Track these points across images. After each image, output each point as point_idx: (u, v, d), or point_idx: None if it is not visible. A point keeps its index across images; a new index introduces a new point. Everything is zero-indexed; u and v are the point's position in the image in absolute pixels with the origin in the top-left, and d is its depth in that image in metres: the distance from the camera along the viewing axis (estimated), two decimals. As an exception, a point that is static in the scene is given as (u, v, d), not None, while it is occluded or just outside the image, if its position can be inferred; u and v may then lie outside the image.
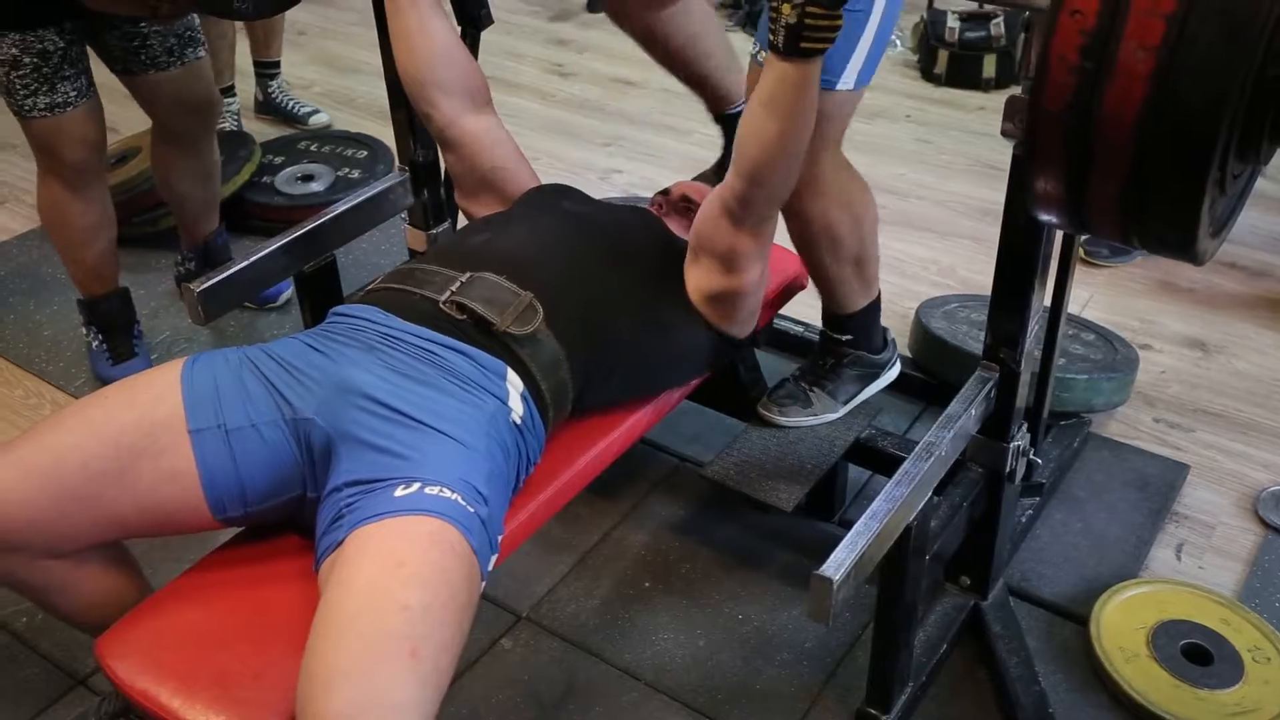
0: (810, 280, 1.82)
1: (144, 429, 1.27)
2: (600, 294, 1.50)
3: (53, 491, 1.23)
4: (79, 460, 1.24)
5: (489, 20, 1.97)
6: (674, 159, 3.18)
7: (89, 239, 2.22)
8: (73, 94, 2.00)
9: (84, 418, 1.29)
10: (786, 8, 1.25)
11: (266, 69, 3.41)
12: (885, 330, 1.88)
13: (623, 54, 3.90)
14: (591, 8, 4.32)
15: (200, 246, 2.51)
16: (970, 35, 3.58)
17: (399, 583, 1.12)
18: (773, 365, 2.19)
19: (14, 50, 1.93)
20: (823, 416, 1.82)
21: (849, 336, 1.81)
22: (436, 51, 1.68)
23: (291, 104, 3.44)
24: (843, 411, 1.83)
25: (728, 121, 2.05)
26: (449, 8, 1.82)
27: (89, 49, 2.07)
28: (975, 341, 2.05)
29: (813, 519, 1.94)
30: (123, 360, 2.34)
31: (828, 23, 1.26)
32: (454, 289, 1.42)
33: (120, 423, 1.27)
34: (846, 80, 1.50)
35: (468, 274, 1.45)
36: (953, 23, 3.61)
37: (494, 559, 1.25)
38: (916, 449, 1.41)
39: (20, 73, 1.95)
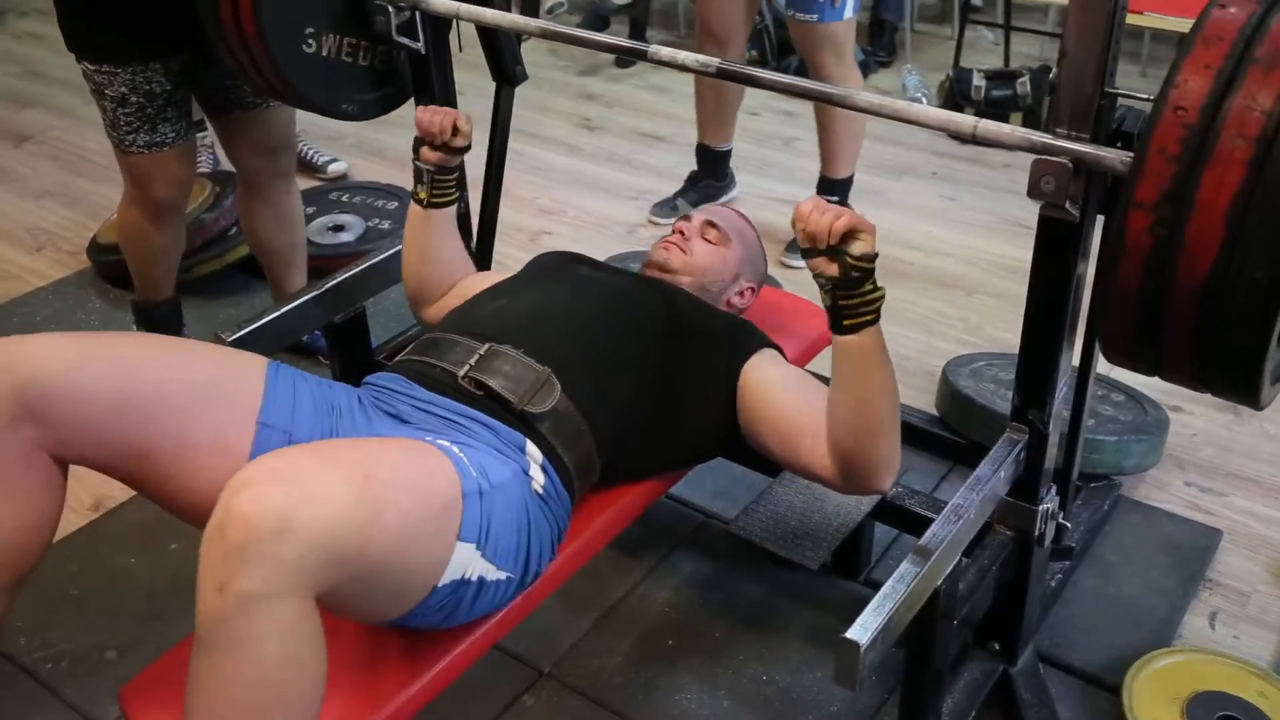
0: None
1: (221, 390, 1.32)
2: (618, 365, 1.50)
3: (118, 396, 1.24)
4: (157, 378, 1.28)
5: (524, 76, 2.00)
6: (701, 213, 3.20)
7: (159, 259, 2.39)
8: (170, 135, 2.12)
9: (167, 349, 1.35)
10: (825, 296, 1.31)
11: None
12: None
13: (650, 109, 3.95)
14: (620, 63, 4.38)
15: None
16: (996, 94, 3.61)
17: (383, 445, 1.27)
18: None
19: (123, 89, 2.04)
20: None
21: (836, 198, 2.77)
22: (446, 272, 1.77)
23: (310, 152, 3.48)
24: None
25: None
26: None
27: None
28: (1002, 400, 2.04)
29: (838, 578, 1.92)
30: None
31: (860, 300, 1.29)
32: (472, 363, 1.44)
33: (203, 372, 1.33)
34: (847, 10, 2.60)
35: (487, 345, 1.46)
36: (979, 81, 3.64)
37: (490, 547, 1.28)
38: (945, 511, 1.40)
39: (126, 110, 2.07)
